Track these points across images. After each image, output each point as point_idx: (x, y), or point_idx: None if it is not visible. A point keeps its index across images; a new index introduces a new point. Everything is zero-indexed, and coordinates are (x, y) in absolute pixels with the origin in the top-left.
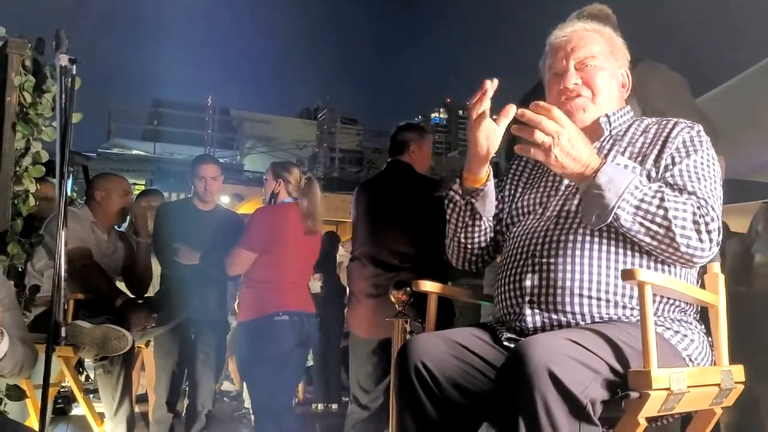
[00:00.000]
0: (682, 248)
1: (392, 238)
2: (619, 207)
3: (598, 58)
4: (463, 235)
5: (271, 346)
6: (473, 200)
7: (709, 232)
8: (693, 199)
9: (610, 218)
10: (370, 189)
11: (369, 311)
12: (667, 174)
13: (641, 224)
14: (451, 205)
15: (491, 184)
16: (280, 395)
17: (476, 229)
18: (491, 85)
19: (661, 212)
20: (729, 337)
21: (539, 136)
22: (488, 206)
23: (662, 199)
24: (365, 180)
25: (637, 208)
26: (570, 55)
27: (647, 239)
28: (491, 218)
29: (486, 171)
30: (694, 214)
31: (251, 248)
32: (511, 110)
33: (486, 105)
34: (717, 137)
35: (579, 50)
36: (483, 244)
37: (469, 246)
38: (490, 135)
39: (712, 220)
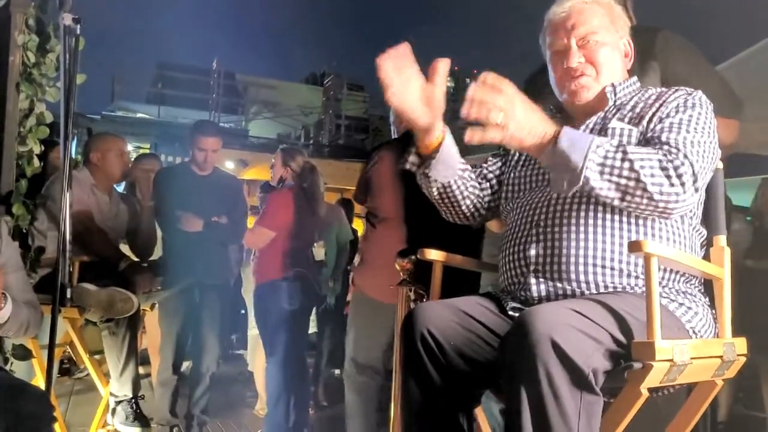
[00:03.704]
0: (656, 196)
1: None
2: (587, 168)
3: (599, 33)
4: (437, 196)
5: (281, 304)
6: (425, 170)
7: (679, 176)
8: (664, 148)
9: (582, 180)
10: (393, 154)
11: (384, 276)
12: (648, 130)
13: (609, 180)
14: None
15: (445, 148)
16: (289, 348)
17: (445, 194)
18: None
19: (627, 164)
20: (733, 310)
21: (494, 115)
22: (443, 172)
23: (625, 152)
24: (383, 143)
25: (602, 165)
26: (571, 33)
27: (619, 194)
28: (458, 180)
29: (436, 137)
30: (660, 161)
31: (270, 227)
32: (442, 64)
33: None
34: (738, 102)
35: (579, 27)
36: (466, 205)
37: (446, 206)
38: (421, 99)
39: (682, 164)
